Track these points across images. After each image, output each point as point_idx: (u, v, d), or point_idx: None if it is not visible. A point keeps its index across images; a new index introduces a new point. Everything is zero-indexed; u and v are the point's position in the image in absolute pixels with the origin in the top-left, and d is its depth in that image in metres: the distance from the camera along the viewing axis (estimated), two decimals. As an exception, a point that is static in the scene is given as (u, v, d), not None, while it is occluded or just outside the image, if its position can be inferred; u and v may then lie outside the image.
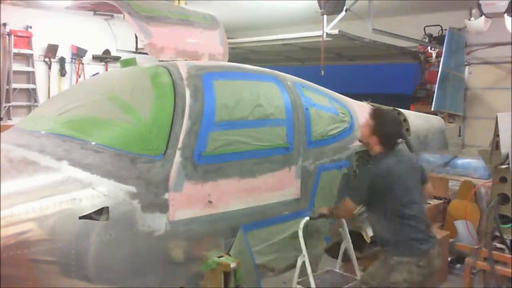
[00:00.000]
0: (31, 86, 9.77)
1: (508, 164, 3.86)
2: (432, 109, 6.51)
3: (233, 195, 3.08)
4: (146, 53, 3.58)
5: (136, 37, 9.01)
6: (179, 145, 2.81)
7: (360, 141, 3.61)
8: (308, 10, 8.04)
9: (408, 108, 6.35)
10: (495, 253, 3.79)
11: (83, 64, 10.53)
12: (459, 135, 8.12)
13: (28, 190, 2.44)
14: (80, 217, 2.43)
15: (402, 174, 3.25)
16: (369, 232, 4.49)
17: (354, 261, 3.99)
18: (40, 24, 9.68)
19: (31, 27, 9.62)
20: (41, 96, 9.86)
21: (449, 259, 5.55)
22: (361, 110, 4.33)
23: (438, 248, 3.33)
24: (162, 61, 3.36)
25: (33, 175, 2.53)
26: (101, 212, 2.50)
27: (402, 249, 3.19)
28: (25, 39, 9.58)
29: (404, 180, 3.25)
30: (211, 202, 2.95)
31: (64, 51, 10.22)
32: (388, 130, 3.32)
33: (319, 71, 6.14)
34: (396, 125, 3.45)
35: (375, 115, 3.39)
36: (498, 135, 3.97)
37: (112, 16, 9.94)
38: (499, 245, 3.85)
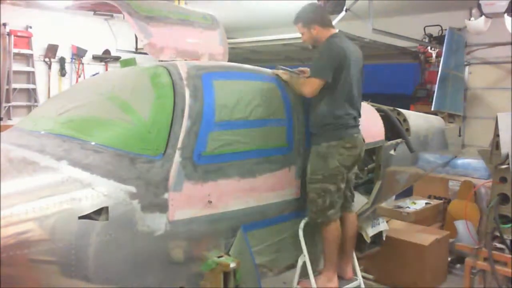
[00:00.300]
0: (31, 86, 9.77)
1: (508, 164, 3.86)
2: (432, 109, 6.50)
3: (233, 195, 3.08)
4: (146, 53, 3.58)
5: (136, 37, 9.02)
6: (179, 145, 2.82)
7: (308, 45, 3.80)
8: (308, 10, 8.02)
9: (408, 108, 6.35)
10: (495, 253, 3.79)
11: (83, 64, 10.53)
12: (459, 135, 8.12)
13: (28, 190, 2.44)
14: (80, 217, 2.43)
15: (353, 58, 3.47)
16: (369, 232, 4.51)
17: (355, 261, 3.99)
18: (40, 24, 9.67)
19: (31, 27, 9.61)
20: (41, 96, 9.85)
21: (449, 259, 5.55)
22: (361, 110, 4.33)
23: (361, 135, 3.62)
24: (162, 61, 3.36)
25: (33, 175, 2.53)
26: (101, 212, 2.50)
27: (331, 134, 3.42)
28: (25, 39, 9.57)
29: (353, 65, 3.46)
30: (211, 202, 2.95)
31: (64, 51, 10.22)
32: (317, 10, 3.68)
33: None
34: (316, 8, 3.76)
35: (302, 13, 3.70)
36: (498, 135, 3.97)
37: (112, 16, 9.93)
38: (499, 245, 3.85)
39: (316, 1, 6.35)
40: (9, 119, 9.36)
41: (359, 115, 3.63)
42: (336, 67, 3.37)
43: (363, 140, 3.67)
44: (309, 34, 3.63)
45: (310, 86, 3.38)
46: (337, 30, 3.65)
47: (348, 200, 3.71)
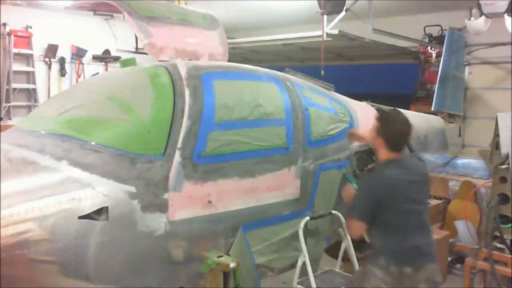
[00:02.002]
0: (31, 86, 9.77)
1: (508, 164, 3.86)
2: (432, 109, 6.51)
3: (233, 195, 3.08)
4: (146, 53, 3.58)
5: (136, 37, 9.02)
6: (179, 145, 2.82)
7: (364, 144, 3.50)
8: (308, 10, 8.03)
9: (408, 108, 6.36)
10: (495, 253, 3.79)
11: (83, 64, 10.53)
12: (459, 135, 8.13)
13: (28, 190, 2.44)
14: (80, 217, 2.43)
15: (407, 185, 2.94)
16: (369, 232, 4.50)
17: (354, 261, 3.99)
18: (40, 24, 9.67)
19: (31, 27, 9.61)
20: (41, 96, 9.85)
21: (449, 259, 5.55)
22: (361, 110, 4.34)
23: (433, 267, 2.94)
24: (162, 61, 3.36)
25: (33, 175, 2.53)
26: (101, 212, 2.50)
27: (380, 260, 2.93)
28: (25, 39, 9.57)
29: (408, 195, 2.94)
30: (210, 202, 2.95)
31: (64, 51, 10.22)
32: (394, 130, 2.99)
33: (319, 71, 6.14)
34: (404, 125, 3.03)
35: (381, 116, 3.11)
36: (498, 135, 3.97)
37: (112, 16, 9.94)
38: (499, 245, 3.85)
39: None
40: (9, 119, 9.36)
41: (428, 246, 2.99)
42: (373, 205, 2.89)
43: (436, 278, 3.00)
44: (373, 138, 3.09)
45: (352, 229, 3.06)
46: (398, 156, 3.02)
47: None
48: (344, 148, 3.91)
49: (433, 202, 6.60)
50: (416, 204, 3.00)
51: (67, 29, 10.00)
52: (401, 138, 3.02)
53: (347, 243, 3.94)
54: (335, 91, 4.28)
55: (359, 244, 4.50)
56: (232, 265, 2.88)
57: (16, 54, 9.43)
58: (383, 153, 3.04)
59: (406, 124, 3.03)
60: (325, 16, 6.30)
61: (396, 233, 2.94)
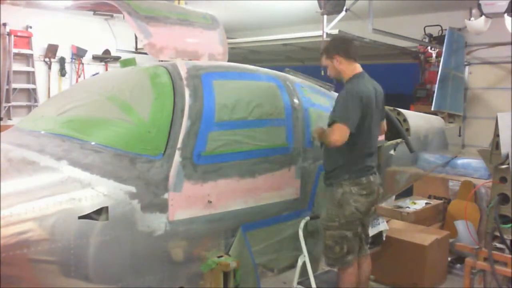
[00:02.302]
0: (31, 86, 9.76)
1: (508, 164, 3.86)
2: (432, 109, 6.50)
3: (233, 195, 3.08)
4: (146, 53, 3.58)
5: (136, 37, 9.02)
6: (179, 145, 2.82)
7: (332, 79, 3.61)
8: (308, 10, 8.03)
9: (408, 108, 6.35)
10: (495, 253, 3.79)
11: (83, 64, 10.52)
12: (459, 135, 8.12)
13: (28, 190, 2.44)
14: (80, 217, 2.43)
15: (375, 103, 3.33)
16: (369, 232, 4.50)
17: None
18: (40, 24, 9.67)
19: (31, 27, 9.61)
20: (41, 96, 9.84)
21: (449, 259, 5.55)
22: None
23: (379, 177, 3.52)
24: (162, 61, 3.36)
25: (33, 175, 2.53)
26: (101, 212, 2.50)
27: (347, 182, 3.29)
28: (25, 39, 9.56)
29: (375, 109, 3.33)
30: (210, 202, 2.95)
31: (64, 51, 10.21)
32: (342, 41, 3.50)
33: (319, 71, 6.13)
34: (346, 37, 3.71)
35: (329, 42, 3.58)
36: (498, 135, 3.96)
37: (112, 16, 9.93)
38: (499, 245, 3.85)
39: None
40: (9, 119, 9.36)
41: (376, 158, 3.51)
42: (360, 116, 3.20)
43: (380, 182, 3.52)
44: (332, 67, 3.43)
45: (338, 133, 3.12)
46: (361, 69, 3.43)
47: (363, 243, 3.63)
48: (344, 148, 3.91)
49: (433, 202, 6.62)
50: (375, 125, 3.40)
51: (67, 29, 10.00)
52: (353, 45, 3.46)
53: None
54: (335, 91, 4.27)
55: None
56: (232, 265, 2.88)
57: (16, 54, 9.43)
58: (347, 69, 3.37)
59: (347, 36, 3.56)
60: (325, 16, 6.29)
61: (359, 152, 3.31)
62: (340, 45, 3.41)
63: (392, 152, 4.54)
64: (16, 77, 9.49)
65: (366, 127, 3.27)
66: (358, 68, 3.40)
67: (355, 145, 3.26)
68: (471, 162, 6.16)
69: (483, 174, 5.77)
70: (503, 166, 3.90)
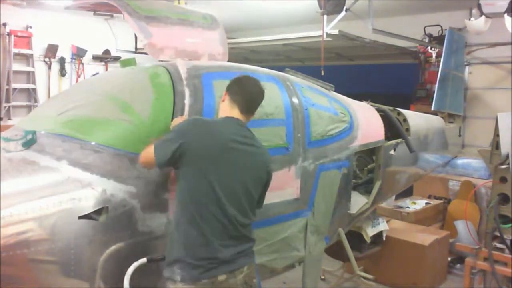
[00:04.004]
0: (31, 86, 9.77)
1: (508, 164, 3.86)
2: (432, 109, 6.51)
3: (233, 195, 3.07)
4: (146, 53, 3.58)
5: (136, 37, 9.02)
6: (179, 145, 2.81)
7: None
8: (308, 10, 8.04)
9: (408, 108, 6.35)
10: (495, 253, 3.79)
11: (83, 64, 10.53)
12: (459, 135, 8.13)
13: (28, 190, 2.44)
14: (80, 217, 2.43)
15: (228, 154, 2.51)
16: (369, 232, 4.51)
17: (353, 261, 4.00)
18: (40, 24, 9.68)
19: (31, 27, 9.62)
20: (41, 96, 9.86)
21: (449, 259, 5.56)
22: (361, 110, 4.33)
23: (250, 274, 2.56)
24: (162, 61, 3.36)
25: (33, 175, 2.53)
26: (101, 212, 2.50)
27: (179, 268, 2.40)
28: (25, 39, 9.58)
29: (230, 162, 2.50)
30: (210, 202, 2.94)
31: (64, 51, 10.23)
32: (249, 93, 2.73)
33: (319, 71, 6.14)
34: (256, 88, 2.75)
35: (235, 80, 2.79)
36: (498, 135, 3.97)
37: (112, 16, 9.94)
38: (499, 245, 3.85)
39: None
40: (9, 119, 9.37)
41: (242, 244, 2.58)
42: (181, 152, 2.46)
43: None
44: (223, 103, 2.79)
45: (143, 155, 2.57)
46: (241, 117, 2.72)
47: None
48: (344, 148, 3.91)
49: (433, 202, 6.63)
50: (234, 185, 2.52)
51: (67, 29, 10.01)
52: (255, 101, 2.76)
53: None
54: (335, 91, 4.28)
55: (359, 244, 4.52)
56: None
57: (16, 54, 9.44)
58: (226, 109, 2.72)
59: (258, 87, 2.76)
60: (325, 16, 6.30)
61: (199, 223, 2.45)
62: (244, 98, 2.72)
63: (392, 152, 4.54)
64: (16, 77, 9.50)
65: (206, 181, 2.46)
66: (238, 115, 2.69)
67: (187, 208, 2.45)
68: (471, 162, 6.18)
69: (483, 174, 5.78)
70: (503, 166, 3.91)
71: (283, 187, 3.41)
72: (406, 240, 5.08)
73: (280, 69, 3.92)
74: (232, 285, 2.46)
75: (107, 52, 10.80)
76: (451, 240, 5.50)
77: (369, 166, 4.52)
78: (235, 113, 2.70)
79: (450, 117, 6.77)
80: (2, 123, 9.02)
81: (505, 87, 7.79)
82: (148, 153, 2.55)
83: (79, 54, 10.41)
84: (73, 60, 10.43)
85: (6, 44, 9.30)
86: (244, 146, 2.62)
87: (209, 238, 2.42)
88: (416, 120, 5.33)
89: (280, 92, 3.49)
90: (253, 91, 2.74)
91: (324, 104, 3.86)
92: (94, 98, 3.13)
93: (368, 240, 4.50)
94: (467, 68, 8.18)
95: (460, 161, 6.34)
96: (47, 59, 10.00)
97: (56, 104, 3.25)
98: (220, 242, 2.44)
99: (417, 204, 6.42)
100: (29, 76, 9.81)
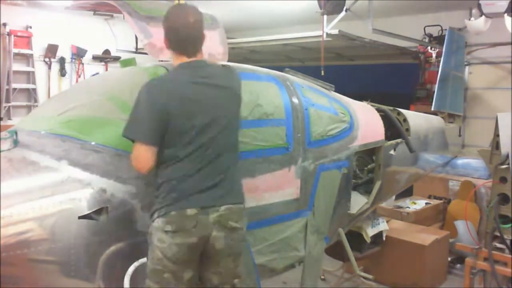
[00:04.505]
0: (31, 86, 9.77)
1: (508, 164, 3.86)
2: (432, 109, 6.51)
3: (233, 195, 3.07)
4: (146, 53, 3.57)
5: (136, 37, 9.01)
6: (179, 145, 2.81)
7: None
8: (308, 10, 8.04)
9: (408, 108, 6.35)
10: (495, 253, 3.79)
11: (83, 64, 10.53)
12: (459, 135, 8.13)
13: (28, 190, 2.44)
14: (80, 217, 2.43)
15: (195, 96, 2.45)
16: (369, 232, 4.51)
17: (353, 261, 4.00)
18: (40, 24, 9.68)
19: (31, 27, 9.62)
20: (41, 96, 9.86)
21: (449, 259, 5.56)
22: (361, 110, 4.33)
23: (227, 215, 2.47)
24: (162, 61, 3.36)
25: (33, 175, 2.53)
26: (101, 212, 2.50)
27: (156, 207, 2.45)
28: (25, 39, 9.58)
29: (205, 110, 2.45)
30: (210, 202, 2.94)
31: (64, 51, 10.23)
32: (172, 26, 2.53)
33: (319, 71, 6.14)
34: (187, 19, 2.52)
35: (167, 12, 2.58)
36: (498, 135, 3.97)
37: (112, 16, 9.94)
38: (499, 245, 3.85)
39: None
40: (9, 119, 9.37)
41: (225, 179, 2.53)
42: (162, 122, 2.40)
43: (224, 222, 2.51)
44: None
45: (135, 158, 2.42)
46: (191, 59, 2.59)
47: None
48: (344, 148, 3.91)
49: (433, 202, 6.63)
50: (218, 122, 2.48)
51: (67, 29, 10.01)
52: (187, 37, 2.52)
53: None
54: (335, 91, 4.28)
55: (359, 244, 4.51)
56: (232, 265, 2.87)
57: (16, 54, 9.44)
58: (174, 59, 2.61)
59: (190, 18, 2.52)
60: (325, 16, 6.30)
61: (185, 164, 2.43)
62: (172, 33, 2.58)
63: (392, 152, 4.54)
64: (16, 77, 9.51)
65: (185, 131, 2.44)
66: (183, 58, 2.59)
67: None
68: (471, 162, 6.17)
69: (483, 174, 5.78)
70: (503, 166, 3.91)
71: (283, 187, 3.41)
72: (406, 240, 5.08)
73: (280, 69, 3.92)
74: (201, 222, 2.42)
75: (107, 52, 10.80)
76: (451, 240, 5.50)
77: (369, 166, 4.52)
78: (183, 59, 2.56)
79: (450, 117, 6.77)
80: (2, 123, 9.02)
81: (505, 87, 7.79)
82: (139, 151, 2.40)
83: (79, 54, 10.41)
84: (73, 60, 10.43)
85: (6, 44, 9.30)
86: (202, 87, 2.51)
87: (184, 174, 2.42)
88: (416, 120, 5.33)
89: (280, 92, 3.49)
90: (185, 26, 2.51)
91: (324, 104, 3.86)
92: (94, 98, 3.13)
93: (368, 240, 4.49)
94: (467, 68, 8.18)
95: (460, 161, 6.34)
96: (47, 59, 10.01)
97: (56, 104, 3.25)
98: (197, 178, 2.44)
99: (417, 204, 6.42)
100: (29, 76, 9.81)
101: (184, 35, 2.54)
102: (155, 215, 2.44)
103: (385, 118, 4.65)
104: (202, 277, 2.57)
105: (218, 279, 2.56)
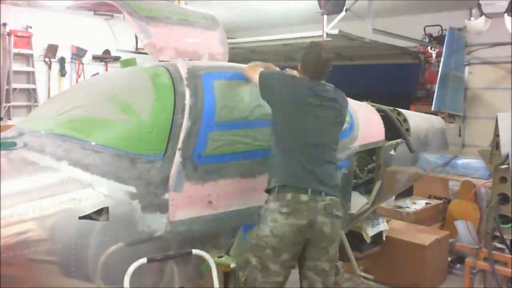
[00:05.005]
0: (31, 86, 9.77)
1: (508, 164, 3.86)
2: (432, 109, 6.51)
3: (233, 195, 3.08)
4: (146, 53, 3.58)
5: (136, 37, 9.02)
6: (179, 145, 2.81)
7: None
8: (308, 10, 8.04)
9: (408, 108, 6.35)
10: (495, 253, 3.79)
11: (83, 64, 10.53)
12: (459, 135, 8.13)
13: (28, 190, 2.44)
14: (80, 217, 2.43)
15: (308, 100, 3.03)
16: (369, 232, 4.51)
17: (353, 261, 4.00)
18: (40, 24, 9.67)
19: (31, 27, 9.62)
20: (41, 96, 9.86)
21: (449, 259, 5.56)
22: (361, 110, 4.33)
23: (331, 204, 2.86)
24: (162, 61, 3.36)
25: (33, 175, 2.53)
26: (101, 212, 2.50)
27: (270, 190, 2.89)
28: (25, 39, 9.58)
29: (308, 106, 3.01)
30: (211, 202, 2.94)
31: (64, 51, 10.22)
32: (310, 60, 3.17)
33: (319, 71, 6.12)
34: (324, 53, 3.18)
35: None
36: (498, 135, 3.97)
37: (112, 16, 9.93)
38: (499, 245, 3.85)
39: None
40: (9, 119, 9.37)
41: (325, 175, 2.93)
42: (283, 93, 3.04)
43: (327, 210, 2.86)
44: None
45: (251, 72, 3.21)
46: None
47: None
48: (344, 148, 3.91)
49: (433, 202, 6.63)
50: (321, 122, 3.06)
51: (67, 29, 10.01)
52: (321, 66, 3.17)
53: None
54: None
55: (359, 244, 4.51)
56: (232, 265, 2.88)
57: (16, 54, 9.44)
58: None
59: (324, 54, 3.18)
60: (325, 16, 6.30)
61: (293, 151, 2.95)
62: (310, 62, 3.22)
63: (392, 152, 4.54)
64: (16, 77, 9.51)
65: (293, 118, 3.02)
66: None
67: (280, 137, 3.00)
68: (471, 162, 6.18)
69: (483, 174, 5.78)
70: (503, 166, 3.91)
71: (283, 187, 3.40)
72: (406, 240, 5.08)
73: (280, 69, 3.91)
74: (312, 208, 2.79)
75: (107, 52, 10.79)
76: (451, 240, 5.50)
77: (369, 166, 4.52)
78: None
79: (450, 117, 6.77)
80: (2, 123, 9.02)
81: (505, 87, 7.79)
82: (254, 74, 3.12)
83: (79, 54, 10.40)
84: (73, 60, 10.43)
85: (6, 44, 9.30)
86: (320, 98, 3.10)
87: (295, 165, 2.87)
88: (416, 120, 5.33)
89: (280, 92, 3.48)
90: (319, 60, 3.15)
91: (324, 104, 3.86)
92: (94, 98, 3.14)
93: (368, 240, 4.49)
94: (467, 68, 8.18)
95: (460, 161, 6.34)
96: (47, 59, 10.00)
97: (56, 104, 3.25)
98: (306, 167, 2.87)
99: (417, 204, 6.42)
100: (29, 76, 9.81)
101: (318, 68, 3.18)
102: (271, 197, 2.84)
103: (385, 118, 4.65)
104: (305, 267, 2.92)
105: (328, 265, 2.90)
